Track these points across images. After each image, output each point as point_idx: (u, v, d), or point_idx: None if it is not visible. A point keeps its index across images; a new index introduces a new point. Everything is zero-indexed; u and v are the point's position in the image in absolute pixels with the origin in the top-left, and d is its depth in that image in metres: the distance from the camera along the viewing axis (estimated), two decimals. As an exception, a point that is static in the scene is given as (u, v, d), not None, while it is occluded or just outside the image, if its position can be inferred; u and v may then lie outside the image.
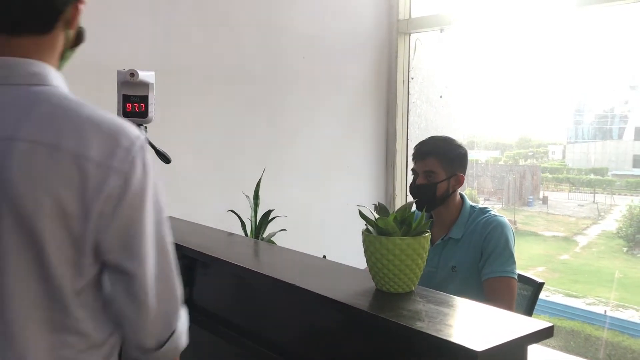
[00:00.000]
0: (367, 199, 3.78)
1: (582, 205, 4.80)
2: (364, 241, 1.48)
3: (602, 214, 4.71)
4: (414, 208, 1.58)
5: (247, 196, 2.52)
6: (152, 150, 1.78)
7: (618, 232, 4.53)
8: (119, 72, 1.91)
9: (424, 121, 4.02)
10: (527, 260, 4.55)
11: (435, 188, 2.15)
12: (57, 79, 1.03)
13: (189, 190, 2.96)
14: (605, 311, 4.33)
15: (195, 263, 2.01)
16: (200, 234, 2.28)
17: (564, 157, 5.02)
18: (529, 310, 2.20)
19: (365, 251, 1.48)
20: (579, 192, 4.80)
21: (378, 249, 1.42)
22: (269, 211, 2.45)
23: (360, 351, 1.45)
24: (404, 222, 1.44)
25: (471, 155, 2.29)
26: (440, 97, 4.08)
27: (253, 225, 2.46)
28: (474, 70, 4.47)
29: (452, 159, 2.18)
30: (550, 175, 5.10)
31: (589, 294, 4.49)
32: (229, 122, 3.25)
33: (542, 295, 2.26)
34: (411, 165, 2.27)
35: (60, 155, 0.93)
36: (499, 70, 4.62)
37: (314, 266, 1.82)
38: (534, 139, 5.18)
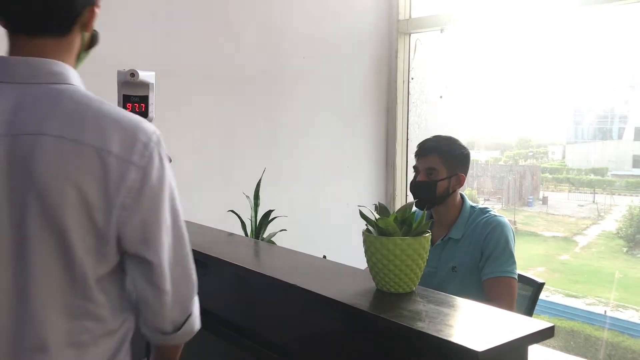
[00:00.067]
0: (367, 199, 3.78)
1: (582, 206, 4.80)
2: (364, 241, 1.48)
3: (602, 214, 4.70)
4: (414, 208, 1.58)
5: (247, 196, 2.52)
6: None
7: (618, 232, 4.53)
8: (119, 72, 1.91)
9: (424, 121, 4.02)
10: (527, 261, 4.54)
11: (435, 186, 2.15)
12: (77, 78, 1.09)
13: (189, 190, 2.95)
14: (605, 311, 4.33)
15: (195, 263, 2.00)
16: (200, 234, 2.27)
17: (563, 157, 5.01)
18: (529, 311, 2.20)
19: (366, 251, 1.48)
20: (579, 193, 4.79)
21: (379, 249, 1.42)
22: (269, 211, 2.45)
23: (360, 351, 1.45)
24: (404, 223, 1.44)
25: (471, 155, 2.29)
26: (440, 97, 4.07)
27: (253, 226, 2.46)
28: (473, 71, 4.47)
29: (455, 158, 2.18)
30: (550, 176, 5.09)
31: (589, 294, 4.49)
32: (229, 122, 3.25)
33: (542, 295, 2.26)
34: (411, 165, 2.27)
35: (83, 149, 0.99)
36: (499, 71, 4.62)
37: (314, 266, 1.82)
38: (534, 139, 5.18)
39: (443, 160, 2.16)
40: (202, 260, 1.97)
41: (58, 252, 1.00)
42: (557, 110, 4.88)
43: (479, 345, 1.11)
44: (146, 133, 1.06)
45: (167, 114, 2.64)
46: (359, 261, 1.73)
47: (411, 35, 3.96)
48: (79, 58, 1.14)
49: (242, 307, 1.92)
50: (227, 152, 3.25)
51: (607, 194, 4.62)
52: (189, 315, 1.16)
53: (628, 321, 4.24)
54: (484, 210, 2.19)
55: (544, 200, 4.97)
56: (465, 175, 2.21)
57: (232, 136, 3.26)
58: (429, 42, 3.99)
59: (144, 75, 1.91)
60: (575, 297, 4.51)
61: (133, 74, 1.88)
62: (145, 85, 1.92)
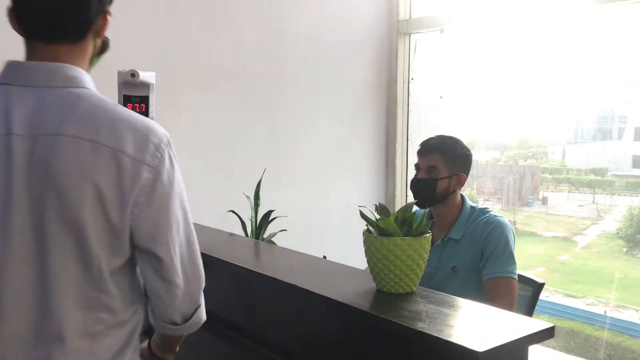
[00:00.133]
0: (367, 199, 3.78)
1: (582, 206, 4.80)
2: (365, 242, 1.48)
3: (602, 214, 4.71)
4: (414, 209, 1.58)
5: (247, 196, 2.52)
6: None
7: (618, 233, 4.53)
8: (119, 73, 1.91)
9: (424, 121, 4.02)
10: (526, 261, 4.55)
11: (435, 184, 2.15)
12: (91, 82, 1.16)
13: (189, 191, 2.93)
14: (605, 311, 4.33)
15: (195, 263, 2.00)
16: (200, 234, 2.26)
17: (563, 157, 5.02)
18: (529, 311, 2.20)
19: (366, 252, 1.48)
20: (579, 193, 4.80)
21: (379, 249, 1.42)
22: (270, 211, 2.45)
23: (360, 352, 1.45)
24: (404, 223, 1.44)
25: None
26: (440, 97, 4.08)
27: (253, 226, 2.46)
28: (474, 71, 4.47)
29: (457, 158, 2.18)
30: (550, 176, 5.10)
31: (588, 295, 4.49)
32: (229, 122, 3.25)
33: (542, 295, 2.26)
34: (411, 165, 2.27)
35: (100, 149, 1.05)
36: (499, 71, 4.62)
37: (315, 267, 1.82)
38: (534, 139, 5.19)
39: (445, 159, 2.16)
40: (203, 261, 1.97)
41: (75, 247, 1.06)
42: (557, 111, 4.88)
43: (479, 345, 1.11)
44: (157, 135, 1.12)
45: (168, 114, 2.64)
46: (359, 261, 1.73)
47: (411, 35, 3.96)
48: (90, 63, 1.21)
49: (242, 308, 1.92)
50: (227, 152, 3.25)
51: (607, 194, 4.62)
52: (198, 307, 1.24)
53: (628, 321, 4.24)
54: (484, 211, 2.19)
55: (544, 201, 4.98)
56: (467, 176, 2.21)
57: (232, 136, 3.27)
58: (429, 42, 3.99)
59: (145, 75, 1.91)
60: (575, 297, 4.52)
61: (133, 74, 1.88)
62: (146, 85, 1.92)
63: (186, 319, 1.23)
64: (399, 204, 3.93)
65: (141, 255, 1.14)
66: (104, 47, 1.24)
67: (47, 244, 1.05)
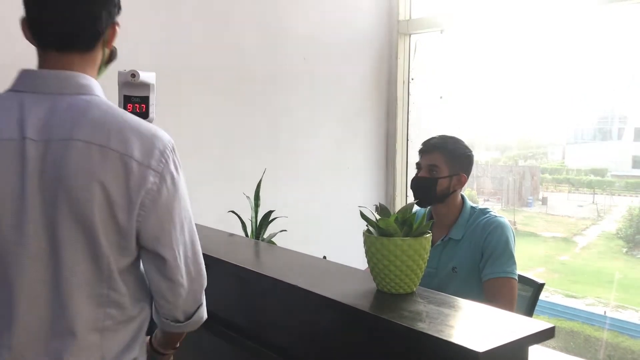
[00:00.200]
0: (367, 199, 3.78)
1: (582, 206, 4.80)
2: (365, 242, 1.48)
3: (602, 214, 4.71)
4: (415, 209, 1.58)
5: (247, 197, 2.52)
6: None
7: (618, 233, 4.53)
8: (119, 73, 1.91)
9: (424, 122, 4.02)
10: (526, 261, 4.55)
11: (436, 183, 2.15)
12: (100, 90, 1.21)
13: (189, 191, 2.94)
14: (605, 312, 4.33)
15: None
16: (200, 235, 2.26)
17: (563, 157, 5.02)
18: (529, 311, 2.20)
19: (367, 252, 1.48)
20: (579, 193, 4.80)
21: (379, 249, 1.42)
22: (270, 212, 2.45)
23: (361, 352, 1.45)
24: (405, 223, 1.44)
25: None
26: (440, 97, 4.08)
27: (254, 226, 2.46)
28: (474, 71, 4.47)
29: (458, 158, 2.19)
30: (549, 176, 5.10)
31: (588, 295, 4.49)
32: (229, 123, 3.25)
33: (542, 295, 2.26)
34: (411, 165, 2.27)
35: (109, 154, 1.11)
36: (499, 71, 4.62)
37: (315, 267, 1.82)
38: (534, 139, 5.19)
39: (446, 158, 2.17)
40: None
41: (86, 247, 1.11)
42: (557, 111, 4.88)
43: (479, 345, 1.11)
44: (163, 142, 1.18)
45: (168, 114, 2.64)
46: (360, 262, 1.73)
47: (411, 36, 3.96)
48: (99, 71, 1.26)
49: (242, 308, 1.92)
50: (227, 153, 3.25)
51: (607, 194, 4.62)
52: (200, 306, 1.29)
53: (628, 322, 4.24)
54: (484, 211, 2.20)
55: (544, 201, 4.97)
56: (467, 177, 2.21)
57: (232, 136, 3.27)
58: (429, 43, 3.99)
59: (145, 75, 1.91)
60: (575, 297, 4.51)
61: (134, 74, 1.89)
62: (146, 85, 1.92)
63: (188, 317, 1.28)
64: (399, 204, 3.93)
65: (146, 256, 1.20)
66: (112, 56, 1.29)
67: (60, 244, 1.10)
